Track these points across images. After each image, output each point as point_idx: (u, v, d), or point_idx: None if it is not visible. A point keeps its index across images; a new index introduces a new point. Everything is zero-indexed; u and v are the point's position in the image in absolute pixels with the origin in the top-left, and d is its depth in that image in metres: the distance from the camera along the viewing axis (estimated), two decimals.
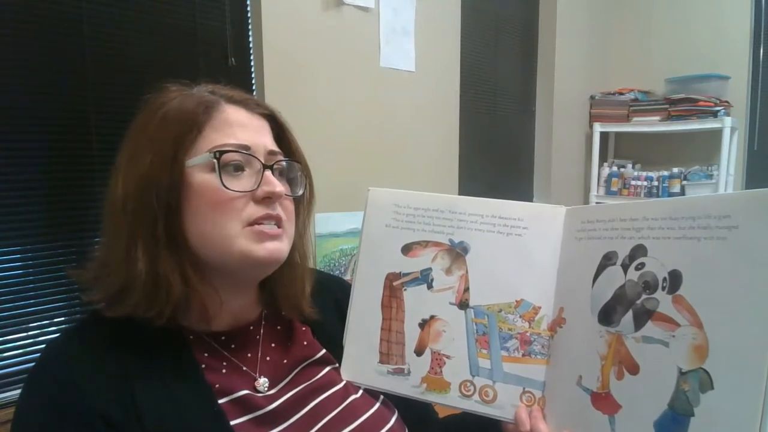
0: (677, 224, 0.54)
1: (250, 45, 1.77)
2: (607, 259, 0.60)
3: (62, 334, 0.63)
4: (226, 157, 0.61)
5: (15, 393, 1.33)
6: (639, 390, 0.54)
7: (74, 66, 1.42)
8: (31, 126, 1.37)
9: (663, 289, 0.54)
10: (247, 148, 0.62)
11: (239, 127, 0.63)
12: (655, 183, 2.97)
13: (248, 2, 1.75)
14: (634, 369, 0.55)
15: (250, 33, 1.77)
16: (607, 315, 0.58)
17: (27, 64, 1.35)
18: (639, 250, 0.57)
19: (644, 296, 0.55)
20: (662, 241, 0.55)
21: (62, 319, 1.43)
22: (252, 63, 1.78)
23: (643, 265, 0.56)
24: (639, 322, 0.55)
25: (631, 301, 0.56)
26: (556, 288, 0.65)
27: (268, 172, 0.63)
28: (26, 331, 1.37)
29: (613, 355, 0.57)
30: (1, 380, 1.33)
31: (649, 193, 2.99)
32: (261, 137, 0.65)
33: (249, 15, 1.76)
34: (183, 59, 1.63)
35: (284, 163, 0.67)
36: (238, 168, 0.62)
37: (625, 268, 0.58)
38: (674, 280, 0.53)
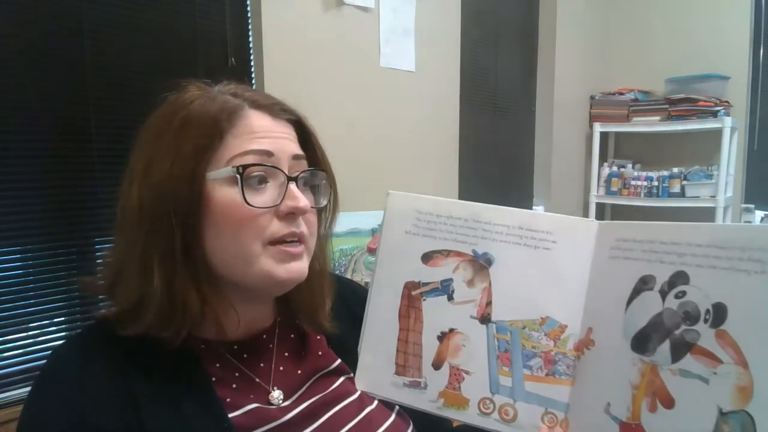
0: (725, 254, 0.51)
1: (250, 45, 1.77)
2: (644, 283, 0.57)
3: (67, 344, 0.61)
4: (249, 170, 0.58)
5: (15, 393, 1.33)
6: (673, 426, 0.51)
7: (74, 66, 1.42)
8: (31, 126, 1.37)
9: (705, 321, 0.51)
10: (269, 154, 0.59)
11: (262, 135, 0.60)
12: (655, 183, 2.97)
13: (248, 2, 1.75)
14: (668, 403, 0.52)
15: (250, 33, 1.77)
16: (642, 342, 0.56)
17: (27, 64, 1.35)
18: (680, 277, 0.54)
19: (684, 327, 0.52)
20: (707, 270, 0.52)
21: (62, 319, 1.43)
22: (252, 63, 1.78)
23: (684, 293, 0.53)
24: (677, 354, 0.52)
25: (668, 331, 0.53)
26: (584, 307, 0.62)
27: (292, 185, 0.60)
28: (26, 331, 1.37)
29: (647, 385, 0.54)
30: (1, 380, 1.33)
31: (649, 194, 2.99)
32: (285, 144, 0.62)
33: (249, 15, 1.76)
34: (183, 59, 1.63)
35: (308, 172, 0.64)
36: (262, 180, 0.59)
37: (663, 294, 0.55)
38: (719, 313, 0.50)
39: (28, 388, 0.59)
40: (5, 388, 1.33)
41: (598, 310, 0.61)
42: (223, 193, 0.58)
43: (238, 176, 0.57)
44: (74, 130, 1.43)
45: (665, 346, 0.53)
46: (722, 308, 0.50)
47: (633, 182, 3.04)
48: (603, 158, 3.20)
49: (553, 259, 0.63)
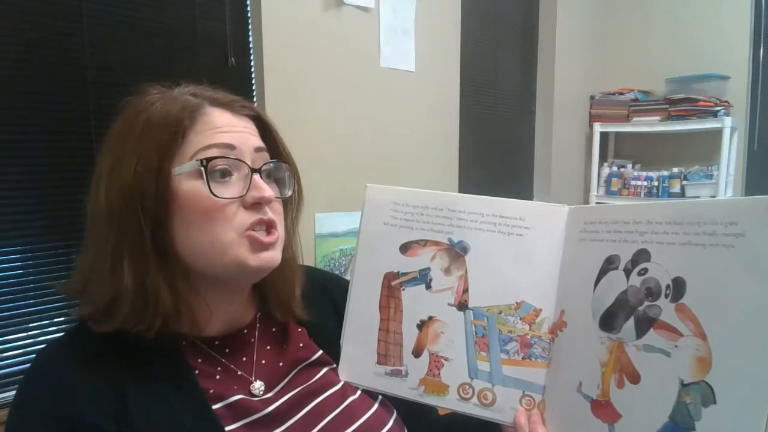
0: (682, 229, 0.52)
1: (250, 45, 1.77)
2: (609, 263, 0.58)
3: (56, 340, 0.62)
4: (213, 163, 0.59)
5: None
6: (639, 400, 0.53)
7: (74, 66, 1.42)
8: (32, 126, 1.37)
9: (666, 296, 0.52)
10: (231, 147, 0.61)
11: (224, 129, 0.61)
12: (655, 183, 2.97)
13: (248, 2, 1.75)
14: (634, 378, 0.53)
15: (250, 33, 1.77)
16: (609, 321, 0.57)
17: (27, 64, 1.35)
18: (642, 255, 0.55)
19: (646, 303, 0.53)
20: (666, 247, 0.53)
21: (62, 319, 1.43)
22: (252, 63, 1.78)
23: (645, 270, 0.54)
24: (640, 330, 0.53)
25: (632, 308, 0.55)
26: (557, 290, 0.63)
27: (256, 176, 0.61)
28: (26, 331, 1.37)
29: (614, 362, 0.55)
30: (1, 380, 1.33)
31: (649, 193, 2.99)
32: (247, 138, 0.63)
33: (249, 15, 1.76)
34: (183, 59, 1.63)
35: (272, 164, 0.65)
36: (225, 174, 0.60)
37: (627, 272, 0.56)
38: (678, 287, 0.51)
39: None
40: (5, 388, 1.33)
41: (569, 293, 0.62)
42: (189, 186, 0.59)
43: (202, 169, 0.58)
44: (74, 130, 1.44)
45: (630, 323, 0.55)
46: (681, 282, 0.51)
47: (633, 182, 3.04)
48: (603, 158, 3.20)
49: (526, 245, 0.65)
